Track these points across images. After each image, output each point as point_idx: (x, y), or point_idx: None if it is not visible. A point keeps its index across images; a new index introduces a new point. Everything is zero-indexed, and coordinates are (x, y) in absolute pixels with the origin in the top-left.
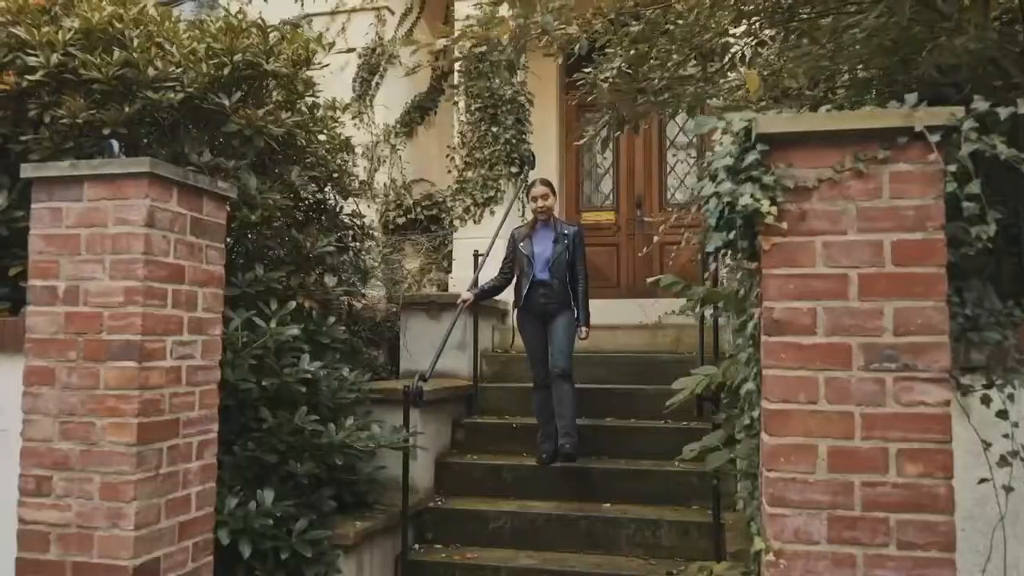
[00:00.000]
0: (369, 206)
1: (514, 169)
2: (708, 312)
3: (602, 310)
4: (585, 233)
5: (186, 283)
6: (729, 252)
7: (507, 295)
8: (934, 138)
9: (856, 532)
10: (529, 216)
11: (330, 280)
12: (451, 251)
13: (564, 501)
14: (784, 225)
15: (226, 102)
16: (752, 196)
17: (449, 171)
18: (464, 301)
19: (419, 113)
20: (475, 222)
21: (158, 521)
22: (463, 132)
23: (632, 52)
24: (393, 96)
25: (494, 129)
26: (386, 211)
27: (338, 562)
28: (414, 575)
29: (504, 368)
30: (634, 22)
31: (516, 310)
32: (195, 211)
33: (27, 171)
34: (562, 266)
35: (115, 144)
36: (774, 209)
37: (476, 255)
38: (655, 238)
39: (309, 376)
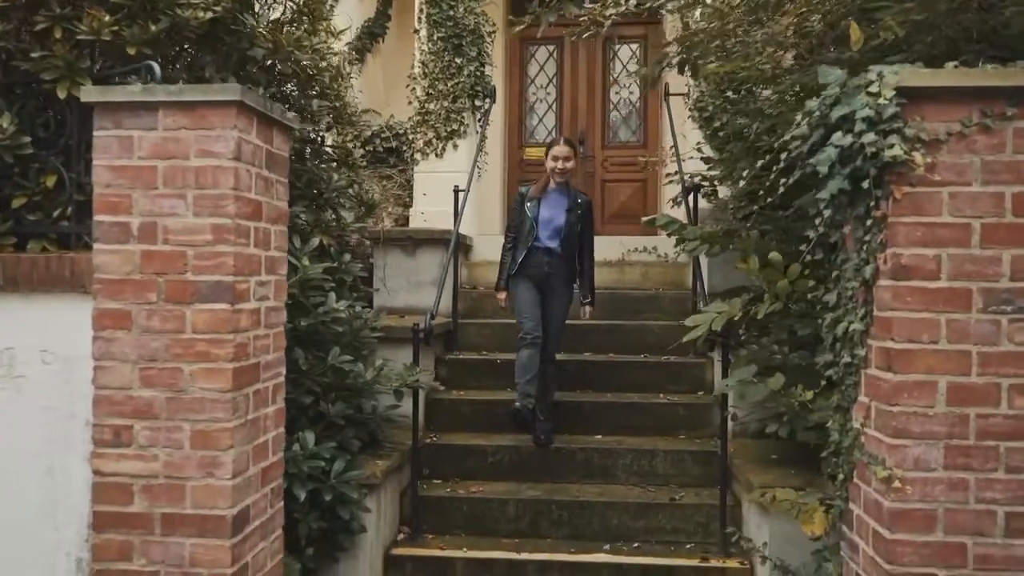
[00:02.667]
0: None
1: (478, 102)
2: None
3: None
4: (530, 169)
5: (263, 220)
6: (832, 199)
7: (479, 226)
8: None
9: (969, 459)
10: (497, 157)
11: (347, 216)
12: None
13: (557, 434)
14: (920, 175)
15: (254, 23)
16: (899, 147)
17: (410, 102)
18: (501, 299)
19: (370, 39)
20: (437, 155)
21: (247, 469)
22: (425, 62)
23: None
24: (341, 20)
25: (458, 60)
26: (343, 143)
27: (365, 501)
28: (424, 509)
29: (476, 304)
30: None
31: (507, 275)
32: (268, 143)
33: (90, 94)
34: (573, 237)
35: (156, 67)
36: (926, 160)
37: (456, 191)
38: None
39: (342, 315)
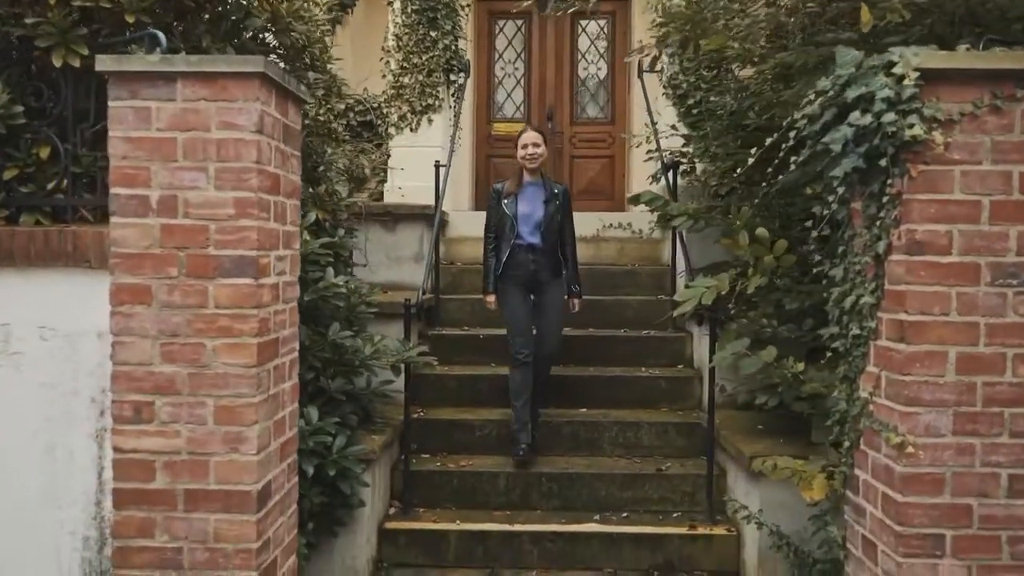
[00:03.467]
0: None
1: (453, 76)
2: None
3: None
4: (499, 145)
5: (280, 194)
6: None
7: (453, 202)
8: None
9: (976, 425)
10: (466, 133)
11: (342, 189)
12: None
13: (543, 407)
14: (935, 154)
15: None
16: (919, 127)
17: (383, 75)
18: (489, 303)
19: (340, 10)
20: (412, 130)
21: (269, 444)
22: (399, 35)
23: None
24: None
25: (432, 34)
26: (316, 116)
27: (363, 475)
28: (416, 483)
29: (456, 280)
30: None
31: (494, 276)
32: (284, 116)
33: (104, 63)
34: (554, 230)
35: (160, 36)
36: (945, 139)
37: (438, 166)
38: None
39: (342, 290)
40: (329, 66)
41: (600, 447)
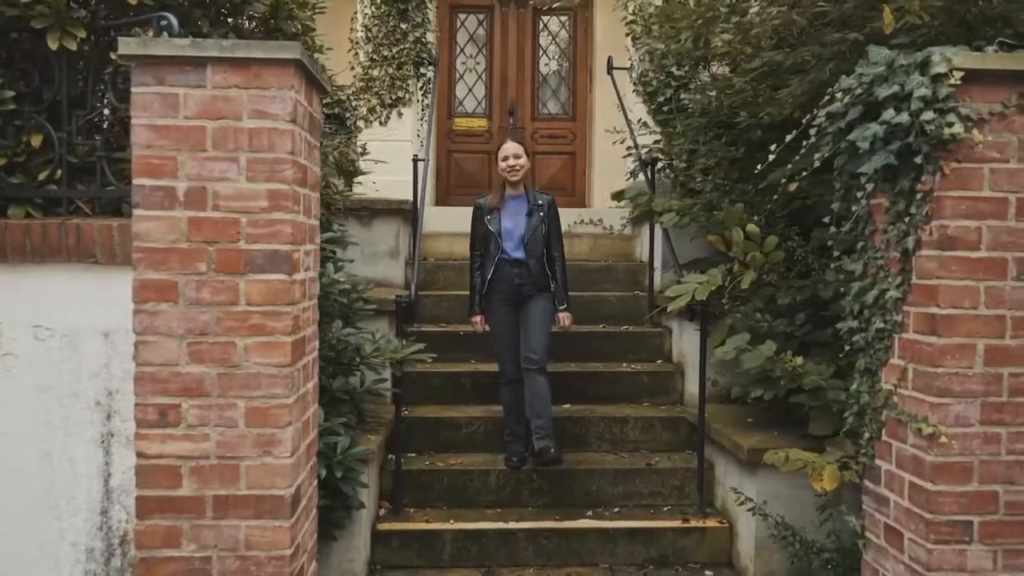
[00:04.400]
0: None
1: (423, 69)
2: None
3: (452, 218)
4: (460, 140)
5: (307, 186)
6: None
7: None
8: None
9: (1003, 415)
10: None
11: (338, 182)
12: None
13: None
14: (967, 152)
15: None
16: (959, 125)
17: (352, 67)
18: (475, 324)
19: None
20: (381, 123)
21: (299, 446)
22: (368, 27)
23: None
24: None
25: (403, 26)
26: None
27: (361, 476)
28: (406, 482)
29: (431, 276)
30: None
31: (479, 296)
32: (310, 105)
33: (128, 46)
34: (539, 242)
35: (172, 18)
36: (983, 137)
37: (416, 160)
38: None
39: (345, 286)
40: (316, 55)
41: (587, 443)
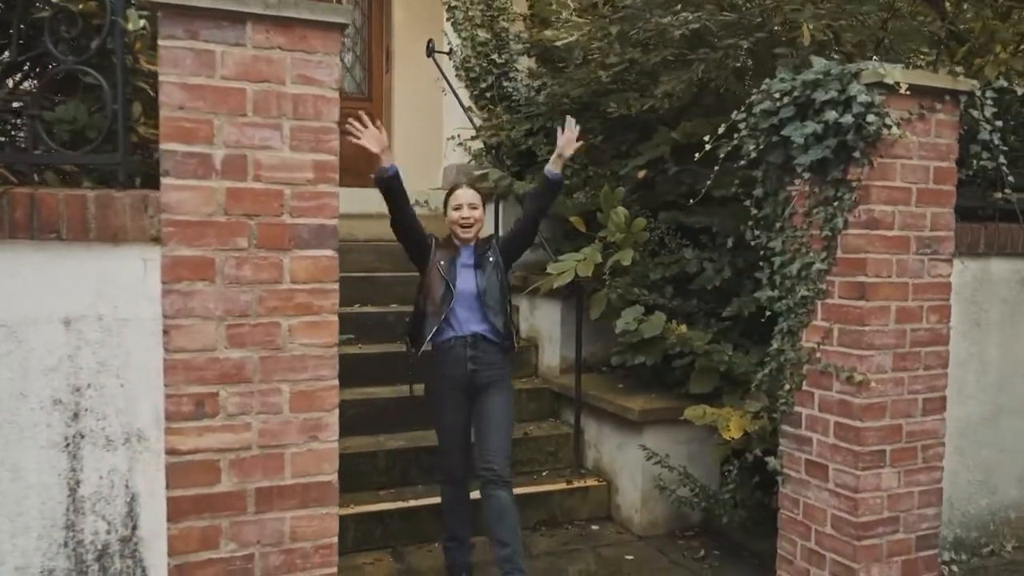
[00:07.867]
0: None
1: None
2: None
3: (351, 199)
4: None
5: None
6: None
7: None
8: (962, 99)
9: (906, 362)
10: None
11: None
12: None
13: (400, 384)
14: (888, 148)
15: None
16: (895, 128)
17: None
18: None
19: None
20: None
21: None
22: None
23: None
24: None
25: None
26: None
27: None
28: None
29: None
30: None
31: (418, 353)
32: None
33: None
34: (496, 295)
35: None
36: (913, 137)
37: None
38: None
39: None
40: None
41: None
